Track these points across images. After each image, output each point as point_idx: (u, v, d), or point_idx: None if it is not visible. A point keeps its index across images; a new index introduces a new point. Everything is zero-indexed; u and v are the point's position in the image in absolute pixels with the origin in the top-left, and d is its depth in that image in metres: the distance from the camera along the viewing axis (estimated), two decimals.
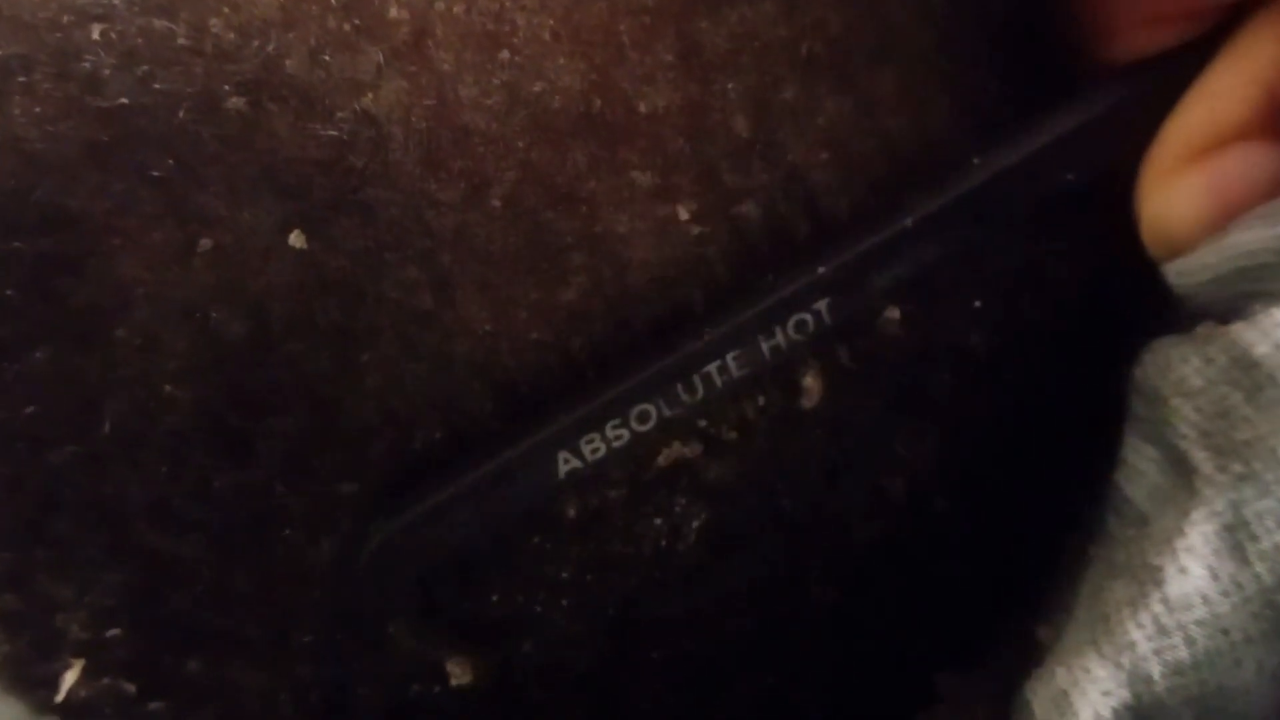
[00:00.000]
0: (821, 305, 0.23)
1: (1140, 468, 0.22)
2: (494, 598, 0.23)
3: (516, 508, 0.22)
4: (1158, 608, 0.20)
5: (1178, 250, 0.22)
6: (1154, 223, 0.23)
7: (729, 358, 0.23)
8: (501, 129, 0.22)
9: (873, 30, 0.23)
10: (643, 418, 0.23)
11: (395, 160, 0.22)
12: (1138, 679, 0.19)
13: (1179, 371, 0.21)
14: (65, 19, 0.22)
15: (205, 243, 0.22)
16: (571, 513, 0.23)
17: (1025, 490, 0.25)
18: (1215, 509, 0.20)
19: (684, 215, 0.23)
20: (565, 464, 0.22)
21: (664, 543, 0.24)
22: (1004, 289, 0.25)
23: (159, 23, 0.22)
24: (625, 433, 0.22)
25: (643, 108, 0.23)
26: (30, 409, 0.22)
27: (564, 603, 0.23)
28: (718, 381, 0.23)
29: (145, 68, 0.21)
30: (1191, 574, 0.20)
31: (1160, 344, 0.22)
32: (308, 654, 0.23)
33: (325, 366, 0.22)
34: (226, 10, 0.22)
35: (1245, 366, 0.20)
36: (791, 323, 0.23)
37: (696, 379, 0.23)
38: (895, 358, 0.24)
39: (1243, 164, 0.23)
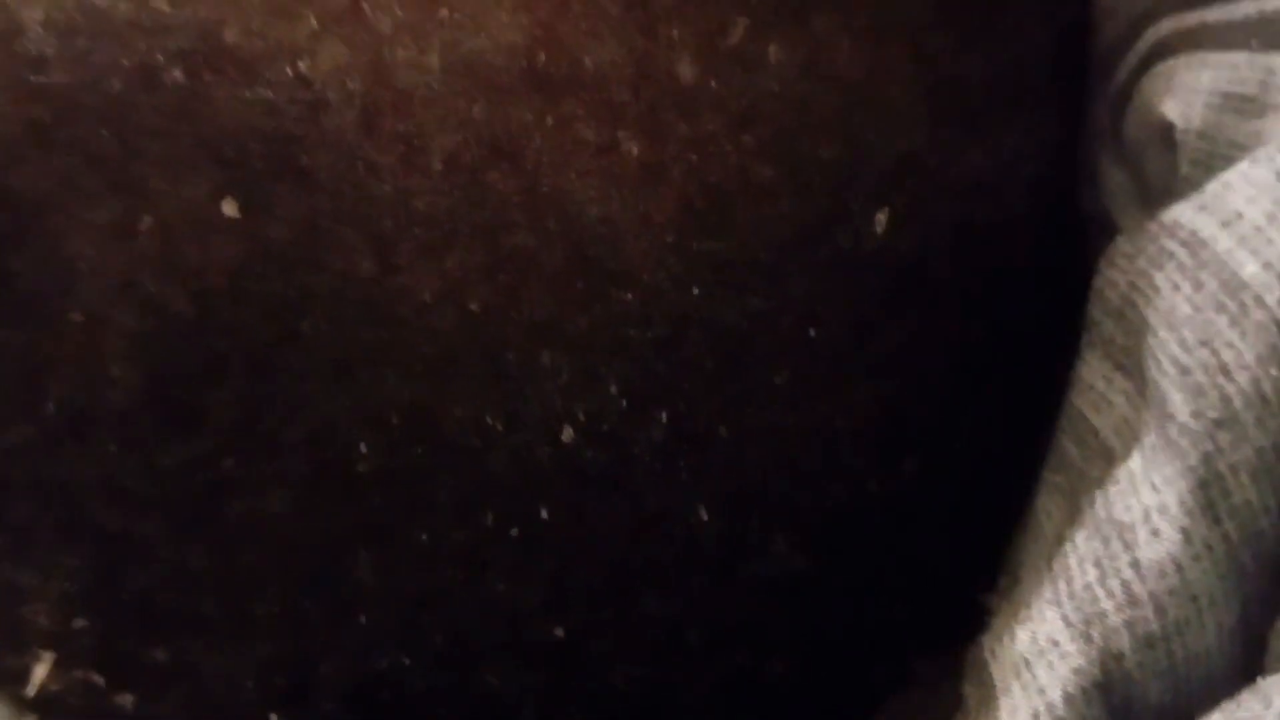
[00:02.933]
0: None
1: (1110, 398, 0.20)
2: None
3: None
4: (1128, 573, 0.18)
5: None
6: None
7: None
8: (441, 89, 0.22)
9: None
10: None
11: (332, 125, 0.22)
12: (1109, 655, 0.18)
13: (1169, 300, 0.20)
14: (11, 1, 0.22)
15: (147, 219, 0.22)
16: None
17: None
18: (1190, 463, 0.18)
19: (632, 167, 0.22)
20: None
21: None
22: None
23: None
24: None
25: (588, 61, 0.22)
26: None
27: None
28: None
29: (84, 43, 0.21)
30: (1164, 537, 0.18)
31: (1134, 256, 0.20)
32: (269, 630, 0.22)
33: (266, 336, 0.21)
34: None
35: (1233, 290, 0.19)
36: None
37: None
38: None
39: None
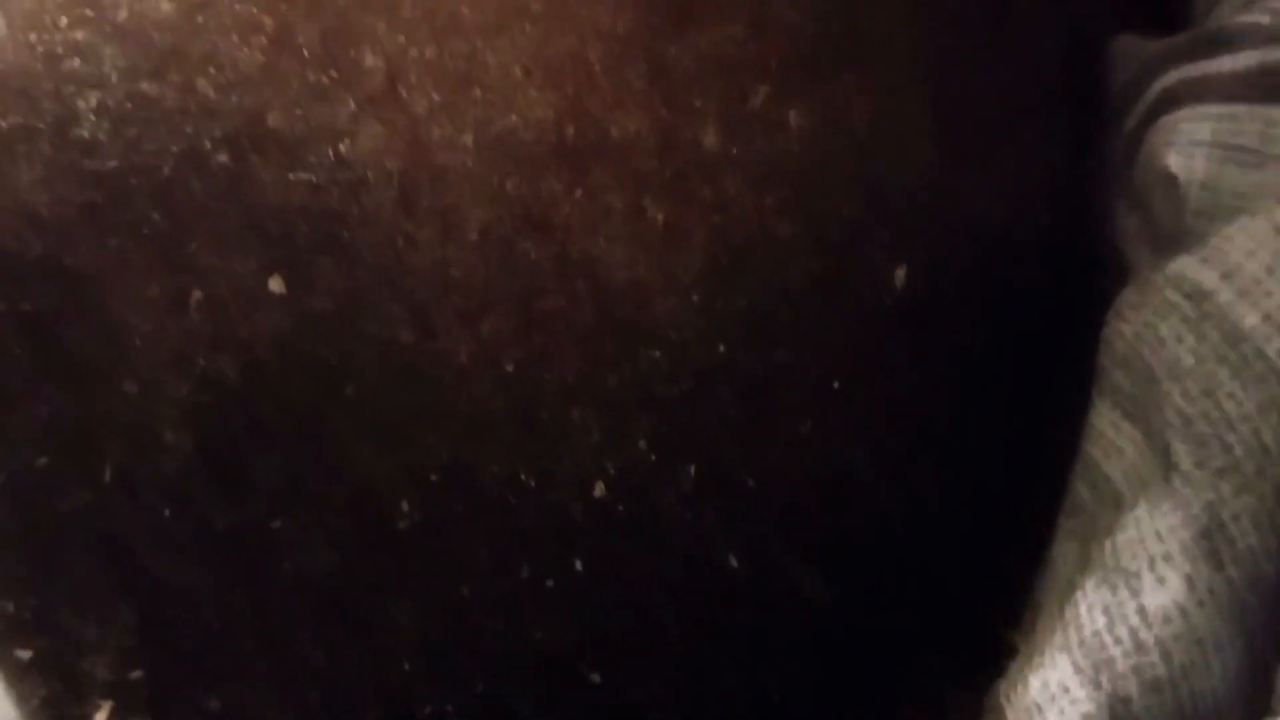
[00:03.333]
0: None
1: (1119, 445, 0.21)
2: None
3: None
4: (1135, 620, 0.19)
5: None
6: None
7: None
8: (475, 165, 0.23)
9: (844, 36, 0.24)
10: None
11: (372, 203, 0.23)
12: (1116, 700, 0.19)
13: (1173, 351, 0.20)
14: (66, 89, 0.23)
15: (197, 294, 0.23)
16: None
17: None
18: (1193, 512, 0.19)
19: (658, 231, 0.23)
20: None
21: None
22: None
23: (148, 86, 0.23)
24: None
25: (615, 132, 0.23)
26: (42, 460, 0.23)
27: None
28: None
29: (135, 129, 0.23)
30: (1169, 584, 0.19)
31: (1140, 307, 0.21)
32: (317, 679, 0.23)
33: (311, 402, 0.22)
34: (212, 70, 0.23)
35: (1234, 341, 0.20)
36: None
37: None
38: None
39: None
